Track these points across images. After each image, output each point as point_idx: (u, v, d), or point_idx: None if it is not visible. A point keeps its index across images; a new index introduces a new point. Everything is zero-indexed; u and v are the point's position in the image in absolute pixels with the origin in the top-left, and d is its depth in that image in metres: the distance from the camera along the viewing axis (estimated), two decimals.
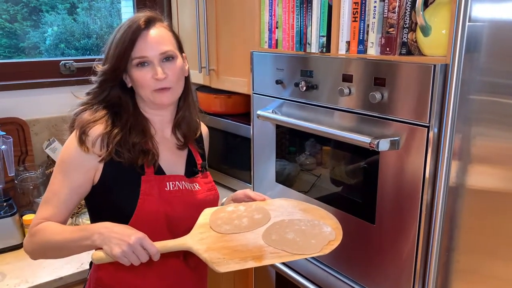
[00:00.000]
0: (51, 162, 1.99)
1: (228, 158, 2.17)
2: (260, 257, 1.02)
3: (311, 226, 1.13)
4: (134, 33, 1.11)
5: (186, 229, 1.18)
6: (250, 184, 1.79)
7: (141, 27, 1.11)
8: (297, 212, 1.20)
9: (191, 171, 1.26)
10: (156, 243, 1.02)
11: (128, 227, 1.03)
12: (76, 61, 2.13)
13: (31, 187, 1.87)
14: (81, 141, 1.10)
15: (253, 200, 1.25)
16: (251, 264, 1.01)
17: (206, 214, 1.16)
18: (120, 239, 0.98)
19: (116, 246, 0.97)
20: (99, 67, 1.16)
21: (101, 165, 1.12)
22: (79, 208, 1.77)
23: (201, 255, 1.03)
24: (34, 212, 1.74)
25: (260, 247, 1.05)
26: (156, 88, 1.13)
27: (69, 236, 1.06)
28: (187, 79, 1.23)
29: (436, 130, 1.06)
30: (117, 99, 1.17)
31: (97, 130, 1.11)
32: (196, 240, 1.07)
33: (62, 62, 2.11)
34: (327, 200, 1.42)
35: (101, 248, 1.01)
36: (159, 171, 1.18)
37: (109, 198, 1.14)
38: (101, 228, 1.02)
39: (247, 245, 1.06)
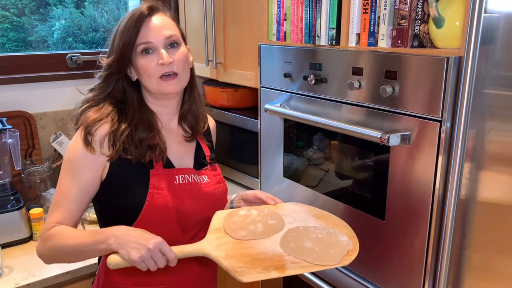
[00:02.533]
0: (58, 156, 1.99)
1: (235, 152, 2.16)
2: (282, 267, 0.99)
3: (327, 234, 1.10)
4: (137, 21, 1.10)
5: (196, 223, 1.17)
6: (257, 178, 1.77)
7: (144, 14, 1.11)
8: (310, 218, 1.17)
9: (200, 163, 1.24)
10: (174, 248, 0.99)
11: (145, 231, 1.00)
12: (82, 54, 2.12)
13: (38, 180, 1.87)
14: (87, 142, 1.08)
15: (264, 202, 1.22)
16: (274, 275, 0.98)
17: (219, 218, 1.14)
18: (138, 243, 0.95)
19: (134, 251, 0.95)
20: (104, 60, 1.15)
21: (108, 162, 1.11)
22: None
23: (221, 263, 1.00)
24: (41, 206, 1.75)
25: (280, 256, 1.03)
26: (162, 73, 1.11)
27: (83, 240, 1.03)
28: (192, 72, 1.22)
29: (448, 124, 1.03)
30: (122, 93, 1.15)
31: (103, 129, 1.10)
32: (213, 246, 1.04)
33: (69, 55, 2.10)
34: (335, 195, 1.41)
35: (116, 252, 0.98)
36: (168, 164, 1.17)
37: (118, 194, 1.12)
38: (117, 232, 0.99)
39: (266, 253, 1.03)
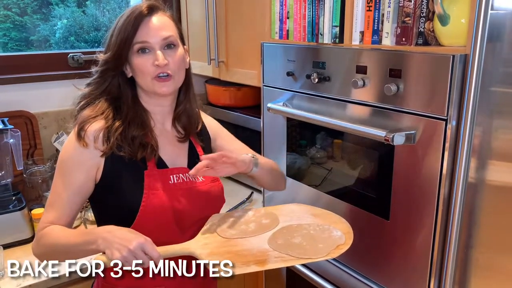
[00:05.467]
0: None
1: None
2: (263, 262, 0.99)
3: (320, 230, 1.09)
4: (136, 19, 1.10)
5: (193, 222, 1.16)
6: None
7: (144, 13, 1.11)
8: (307, 217, 1.16)
9: (193, 163, 1.24)
10: (159, 248, 0.99)
11: (131, 231, 1.00)
12: (84, 53, 2.12)
13: (40, 181, 1.86)
14: (79, 137, 1.09)
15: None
16: (253, 269, 0.98)
17: (214, 219, 1.14)
18: (120, 243, 0.96)
19: (116, 251, 0.96)
20: (101, 56, 1.15)
21: (102, 162, 1.10)
22: (88, 202, 1.76)
23: (203, 260, 1.00)
24: (43, 206, 1.74)
25: (264, 251, 1.02)
26: (156, 74, 1.11)
27: (73, 240, 1.05)
28: (188, 72, 1.21)
29: (454, 123, 1.02)
30: (118, 89, 1.16)
31: (97, 125, 1.10)
32: (199, 245, 1.04)
33: (70, 54, 2.10)
34: (339, 194, 1.39)
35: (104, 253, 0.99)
36: (162, 164, 1.16)
37: (113, 195, 1.12)
38: (104, 233, 1.00)
39: (251, 249, 1.02)
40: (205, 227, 1.11)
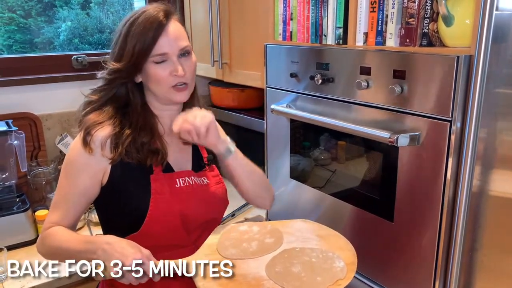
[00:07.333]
0: (63, 158, 1.99)
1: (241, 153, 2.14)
2: None
3: (322, 258, 1.04)
4: (157, 30, 1.07)
5: (199, 224, 1.16)
6: None
7: (163, 23, 1.08)
8: (313, 238, 1.11)
9: (198, 165, 1.23)
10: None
11: (131, 245, 0.99)
12: (88, 55, 2.12)
13: (44, 182, 1.87)
14: (85, 143, 1.08)
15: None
16: None
17: (217, 233, 1.12)
18: (118, 258, 0.95)
19: (113, 266, 0.95)
20: (113, 64, 1.11)
21: (109, 167, 1.10)
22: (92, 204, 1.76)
23: (197, 282, 0.98)
24: (47, 208, 1.74)
25: (259, 280, 0.98)
26: (174, 84, 1.10)
27: (75, 246, 1.04)
28: None
29: (459, 125, 1.01)
30: (125, 96, 1.14)
31: (104, 131, 1.09)
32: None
33: (74, 56, 2.10)
34: (343, 196, 1.39)
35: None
36: (168, 168, 1.16)
37: (119, 199, 1.11)
38: (104, 244, 0.99)
39: (246, 275, 0.99)
40: (207, 241, 1.09)
